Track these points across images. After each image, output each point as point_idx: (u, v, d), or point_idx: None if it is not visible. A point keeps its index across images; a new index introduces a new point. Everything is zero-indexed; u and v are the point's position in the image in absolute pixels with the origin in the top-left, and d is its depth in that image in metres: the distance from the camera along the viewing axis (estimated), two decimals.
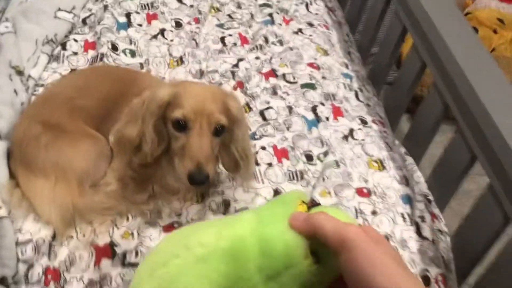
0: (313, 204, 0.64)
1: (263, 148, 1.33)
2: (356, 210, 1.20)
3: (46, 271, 1.00)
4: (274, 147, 1.33)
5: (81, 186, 1.11)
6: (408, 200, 1.26)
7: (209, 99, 1.01)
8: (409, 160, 1.41)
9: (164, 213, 1.16)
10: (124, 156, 1.10)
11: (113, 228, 1.11)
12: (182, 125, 0.99)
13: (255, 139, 1.35)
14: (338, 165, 1.29)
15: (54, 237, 1.07)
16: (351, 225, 0.48)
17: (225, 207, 1.17)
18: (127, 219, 1.13)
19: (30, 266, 0.99)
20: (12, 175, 1.12)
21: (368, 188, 1.26)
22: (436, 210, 1.24)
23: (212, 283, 0.52)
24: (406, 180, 1.32)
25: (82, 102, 1.18)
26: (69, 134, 1.13)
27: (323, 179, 1.25)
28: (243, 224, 0.54)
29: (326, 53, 1.71)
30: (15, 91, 1.25)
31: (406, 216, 1.21)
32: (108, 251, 1.05)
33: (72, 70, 1.43)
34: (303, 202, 0.58)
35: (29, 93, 1.31)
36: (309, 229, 0.51)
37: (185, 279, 0.52)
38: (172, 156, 1.05)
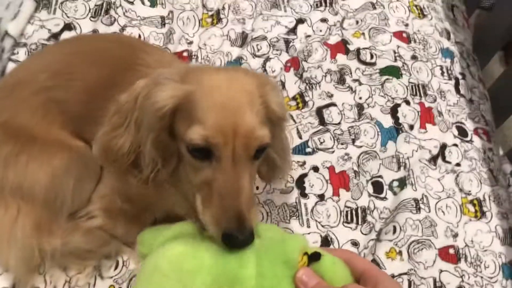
0: (314, 256, 0.55)
1: (315, 169, 0.95)
2: None
3: None
4: (331, 169, 0.96)
5: (53, 219, 0.81)
6: None
7: (243, 101, 0.62)
8: None
9: None
10: (114, 174, 0.79)
11: (95, 278, 0.82)
12: (204, 151, 0.62)
13: (306, 153, 0.97)
14: (417, 207, 0.91)
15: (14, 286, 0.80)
16: None
17: None
18: (116, 266, 0.83)
19: None
20: None
21: (457, 247, 0.89)
22: None
23: None
24: (511, 237, 0.93)
25: (60, 94, 0.84)
26: (38, 144, 0.81)
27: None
28: (243, 284, 0.54)
29: (422, 13, 1.22)
30: None
31: None
32: None
33: (55, 37, 1.06)
34: (305, 253, 0.57)
35: (4, 59, 0.96)
36: None
37: None
38: (183, 178, 0.72)
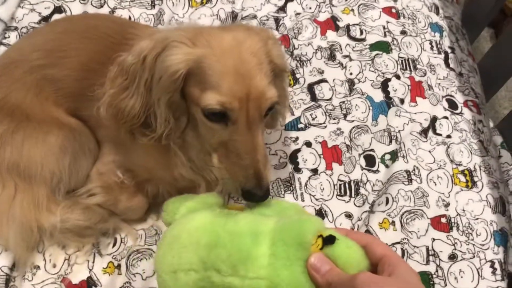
0: (329, 239, 0.56)
1: (308, 144, 0.96)
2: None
3: None
4: (323, 144, 0.97)
5: (51, 196, 0.82)
6: None
7: (253, 64, 0.65)
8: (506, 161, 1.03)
9: None
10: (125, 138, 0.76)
11: (94, 256, 0.83)
12: (219, 114, 0.66)
13: (298, 128, 0.98)
14: (408, 179, 0.93)
15: (14, 266, 0.80)
16: None
17: None
18: (114, 243, 0.84)
19: None
20: None
21: (448, 216, 0.91)
22: None
23: None
24: (502, 205, 0.95)
25: (54, 72, 0.83)
26: (33, 122, 0.81)
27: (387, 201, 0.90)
28: (258, 261, 0.55)
29: None
30: None
31: None
32: None
33: (45, 20, 1.05)
34: (320, 235, 0.57)
35: None
36: (328, 283, 0.53)
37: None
38: (191, 140, 0.76)
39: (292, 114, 0.99)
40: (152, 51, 0.66)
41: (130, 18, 1.09)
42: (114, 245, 0.85)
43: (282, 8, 1.16)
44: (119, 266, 0.82)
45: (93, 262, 0.83)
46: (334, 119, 1.00)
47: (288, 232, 0.57)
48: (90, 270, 0.82)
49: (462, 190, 0.95)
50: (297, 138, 0.97)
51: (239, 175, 0.66)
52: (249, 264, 0.55)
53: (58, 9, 1.07)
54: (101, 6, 1.09)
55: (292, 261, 0.55)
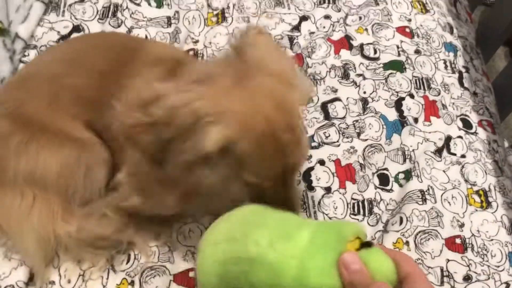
0: (367, 243, 0.58)
1: (321, 162, 0.97)
2: None
3: None
4: (337, 163, 0.97)
5: (67, 207, 0.83)
6: None
7: (287, 138, 0.64)
8: None
9: (176, 254, 0.86)
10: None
11: (108, 272, 0.84)
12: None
13: (311, 147, 0.98)
14: (423, 198, 0.92)
15: (29, 281, 0.81)
16: None
17: None
18: (128, 260, 0.85)
19: None
20: None
21: (463, 237, 0.90)
22: None
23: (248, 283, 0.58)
24: None
25: (72, 80, 0.84)
26: (48, 133, 0.82)
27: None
28: (296, 242, 0.57)
29: (424, 8, 1.23)
30: None
31: None
32: None
33: (64, 38, 1.07)
34: (358, 238, 0.58)
35: (15, 61, 0.98)
36: (351, 282, 0.53)
37: (233, 267, 0.60)
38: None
39: (306, 132, 1.00)
40: (183, 117, 0.62)
41: (146, 37, 1.11)
42: (128, 261, 0.85)
43: (297, 27, 1.17)
44: (132, 283, 0.83)
45: (107, 278, 0.83)
46: (347, 137, 1.00)
47: (330, 226, 0.60)
48: (104, 286, 0.82)
49: (476, 210, 0.94)
50: (310, 156, 0.97)
51: None
52: (287, 242, 0.57)
53: (76, 28, 1.09)
54: (119, 26, 1.11)
55: (326, 249, 0.56)
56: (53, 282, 0.82)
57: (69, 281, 0.82)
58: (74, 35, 1.08)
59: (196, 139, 0.61)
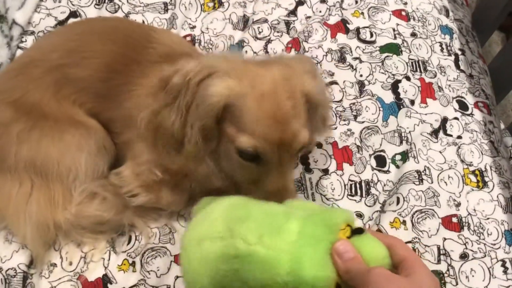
0: (358, 229, 0.59)
1: (319, 145, 0.97)
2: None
3: None
4: (334, 145, 0.97)
5: (66, 194, 0.84)
6: None
7: (288, 107, 0.67)
8: None
9: (177, 236, 0.87)
10: (161, 150, 0.78)
11: (109, 253, 0.84)
12: (252, 155, 0.69)
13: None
14: (419, 179, 0.93)
15: (31, 264, 0.82)
16: None
17: None
18: (129, 241, 0.86)
19: None
20: None
21: (459, 216, 0.91)
22: None
23: (240, 281, 0.57)
24: None
25: (75, 71, 0.85)
26: (50, 121, 0.83)
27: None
28: (285, 236, 0.56)
29: None
30: None
31: None
32: None
33: (61, 24, 1.07)
34: (348, 225, 0.58)
35: (13, 47, 0.98)
36: (347, 271, 0.54)
37: (222, 266, 0.58)
38: (222, 156, 0.77)
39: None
40: (197, 75, 0.68)
41: (143, 22, 1.11)
42: (128, 243, 0.86)
43: (293, 12, 1.17)
44: (133, 263, 0.84)
45: (109, 259, 0.84)
46: (344, 120, 1.01)
47: (319, 215, 0.59)
48: (106, 267, 0.83)
49: (473, 190, 0.95)
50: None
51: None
52: (277, 236, 0.56)
53: (73, 14, 1.09)
54: (116, 11, 1.11)
55: (318, 240, 0.56)
56: (54, 264, 0.83)
57: (70, 263, 0.83)
58: (71, 20, 1.08)
59: (205, 92, 0.67)
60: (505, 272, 0.87)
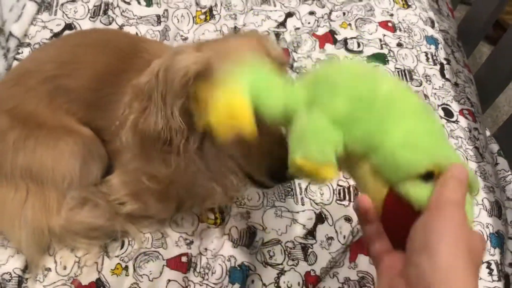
0: None
1: None
2: None
3: None
4: None
5: (61, 199, 0.86)
6: None
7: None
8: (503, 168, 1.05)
9: (169, 240, 0.88)
10: (156, 157, 0.78)
11: (102, 258, 0.86)
12: None
13: None
14: None
15: (26, 268, 0.84)
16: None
17: (249, 237, 0.89)
18: (122, 245, 0.87)
19: None
20: None
21: None
22: None
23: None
24: (498, 208, 0.97)
25: (68, 82, 0.87)
26: (45, 129, 0.85)
27: None
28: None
29: (406, 3, 1.28)
30: None
31: None
32: None
33: (57, 36, 1.10)
34: None
35: (10, 58, 1.01)
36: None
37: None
38: (209, 154, 0.77)
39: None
40: (162, 65, 0.68)
41: (137, 34, 1.14)
42: (121, 247, 0.87)
43: (282, 24, 1.20)
44: (126, 268, 0.85)
45: (102, 264, 0.85)
46: None
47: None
48: (99, 272, 0.84)
49: None
50: None
51: (260, 159, 0.68)
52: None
53: (68, 26, 1.12)
54: (110, 23, 1.14)
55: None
56: (49, 269, 0.84)
57: (64, 268, 0.84)
58: (67, 32, 1.11)
59: (174, 68, 0.66)
60: (490, 273, 0.89)
